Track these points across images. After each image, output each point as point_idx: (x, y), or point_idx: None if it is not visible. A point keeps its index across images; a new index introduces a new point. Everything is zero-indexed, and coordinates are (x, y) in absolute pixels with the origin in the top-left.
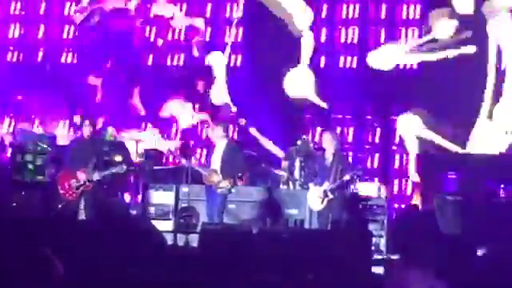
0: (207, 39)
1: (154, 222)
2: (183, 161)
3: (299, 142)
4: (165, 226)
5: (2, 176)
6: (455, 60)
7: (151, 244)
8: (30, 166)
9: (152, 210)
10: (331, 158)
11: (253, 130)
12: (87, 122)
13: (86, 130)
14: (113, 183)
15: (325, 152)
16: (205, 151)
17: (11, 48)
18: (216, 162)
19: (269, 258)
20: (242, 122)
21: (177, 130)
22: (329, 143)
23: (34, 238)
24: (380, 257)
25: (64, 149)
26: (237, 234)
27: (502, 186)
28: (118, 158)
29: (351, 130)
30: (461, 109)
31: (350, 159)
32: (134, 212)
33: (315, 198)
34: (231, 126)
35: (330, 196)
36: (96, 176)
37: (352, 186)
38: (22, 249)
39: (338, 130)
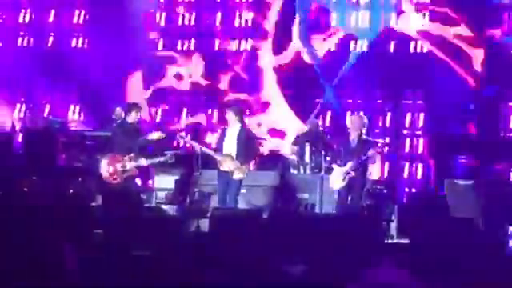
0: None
1: (164, 207)
2: (195, 145)
3: (308, 126)
4: (174, 211)
5: (14, 161)
6: None
7: (164, 230)
8: (42, 152)
9: (162, 195)
10: (356, 140)
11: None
12: (134, 113)
13: (133, 116)
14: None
15: (349, 134)
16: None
17: (21, 33)
18: (230, 146)
19: (279, 242)
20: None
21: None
22: (355, 126)
23: (47, 225)
24: (390, 241)
25: (78, 133)
26: (247, 218)
27: None
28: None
29: (361, 114)
30: None
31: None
32: (144, 197)
33: (337, 177)
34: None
35: (352, 174)
36: (143, 162)
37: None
38: (34, 237)
39: (348, 114)
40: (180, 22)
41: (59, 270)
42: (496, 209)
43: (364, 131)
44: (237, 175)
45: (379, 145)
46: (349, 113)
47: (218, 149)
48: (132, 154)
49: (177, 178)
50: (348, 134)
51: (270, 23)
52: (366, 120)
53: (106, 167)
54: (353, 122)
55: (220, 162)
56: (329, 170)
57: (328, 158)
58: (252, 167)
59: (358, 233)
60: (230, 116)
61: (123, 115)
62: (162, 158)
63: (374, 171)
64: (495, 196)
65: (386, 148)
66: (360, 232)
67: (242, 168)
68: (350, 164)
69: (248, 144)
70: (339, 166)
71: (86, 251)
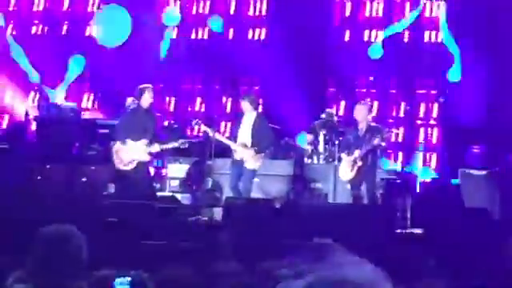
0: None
1: (177, 196)
2: (211, 133)
3: (323, 116)
4: (188, 199)
5: (28, 150)
6: None
7: (174, 219)
8: (55, 141)
9: (175, 183)
10: (364, 128)
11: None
12: (147, 94)
13: (146, 101)
14: None
15: (358, 123)
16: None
17: (36, 21)
18: (245, 135)
19: (292, 232)
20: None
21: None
22: (362, 115)
23: (57, 213)
24: (404, 231)
25: (91, 122)
26: (260, 207)
27: None
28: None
29: (376, 103)
30: None
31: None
32: (157, 185)
33: (346, 167)
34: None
35: (359, 163)
36: (156, 148)
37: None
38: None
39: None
40: (194, 11)
41: (71, 258)
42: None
43: (370, 118)
44: (251, 164)
45: (386, 131)
46: (343, 103)
47: (233, 137)
48: (145, 140)
49: (190, 166)
50: (357, 123)
51: None
52: (372, 107)
53: (117, 154)
54: (358, 110)
55: (235, 151)
56: (339, 160)
57: (326, 152)
58: (266, 156)
59: (370, 223)
60: (245, 104)
61: (135, 104)
62: (175, 144)
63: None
64: (510, 186)
65: (393, 135)
66: (373, 222)
67: (256, 157)
68: (357, 153)
69: (263, 133)
70: (348, 155)
71: (98, 240)
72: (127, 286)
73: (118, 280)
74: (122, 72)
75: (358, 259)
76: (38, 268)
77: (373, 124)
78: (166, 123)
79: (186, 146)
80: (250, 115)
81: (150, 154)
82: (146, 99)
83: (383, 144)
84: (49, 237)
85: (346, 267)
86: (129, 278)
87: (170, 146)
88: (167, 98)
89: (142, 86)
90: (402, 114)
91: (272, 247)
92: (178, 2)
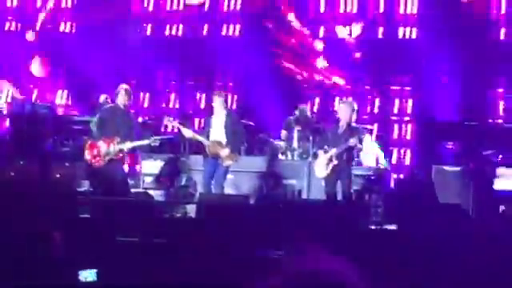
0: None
1: (151, 193)
2: (185, 131)
3: (297, 112)
4: (161, 196)
5: (0, 147)
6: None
7: (149, 214)
8: (29, 137)
9: (149, 180)
10: (345, 127)
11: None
12: (123, 92)
13: (122, 99)
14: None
15: (339, 120)
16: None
17: (10, 17)
18: (218, 133)
19: (266, 228)
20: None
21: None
22: (344, 113)
23: (33, 208)
24: (377, 227)
25: (65, 118)
26: (234, 204)
27: (500, 156)
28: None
29: (350, 100)
30: None
31: None
32: (131, 182)
33: (321, 164)
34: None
35: (335, 161)
36: (128, 145)
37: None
38: (21, 221)
39: (337, 99)
40: (168, 7)
41: (46, 256)
42: (485, 195)
43: (354, 118)
44: (227, 162)
45: (364, 133)
46: (337, 99)
47: (205, 134)
48: (117, 138)
49: (164, 163)
50: (338, 120)
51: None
52: (355, 106)
53: (89, 150)
54: (341, 109)
55: (209, 148)
56: (315, 156)
57: (300, 148)
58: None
59: (344, 219)
60: (218, 101)
61: (109, 101)
62: (145, 141)
63: (369, 160)
64: (483, 182)
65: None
66: (346, 218)
67: (231, 155)
68: (333, 151)
69: (237, 130)
70: (324, 152)
71: (72, 237)
72: (94, 277)
73: (84, 272)
74: (96, 69)
75: (329, 254)
76: (14, 266)
77: (353, 124)
78: (140, 119)
79: (157, 143)
80: (220, 113)
81: (122, 151)
82: (122, 98)
83: (359, 146)
84: (24, 235)
85: (319, 261)
86: (95, 270)
87: (141, 143)
88: (141, 94)
89: (120, 86)
90: (376, 110)
91: (245, 243)
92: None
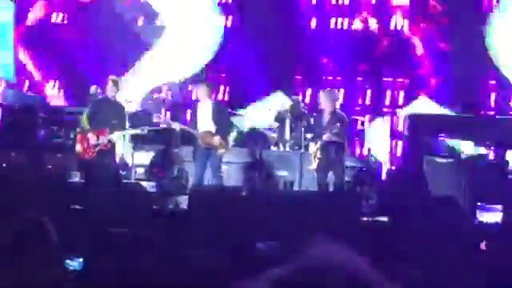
0: None
1: (143, 184)
2: (174, 125)
3: (289, 103)
4: (153, 187)
5: None
6: None
7: (140, 205)
8: (20, 128)
9: (141, 171)
10: (328, 117)
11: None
12: (112, 83)
13: (111, 91)
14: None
15: (324, 111)
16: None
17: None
18: (206, 123)
19: (258, 220)
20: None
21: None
22: (326, 102)
23: (24, 200)
24: (369, 219)
25: (57, 109)
26: (226, 195)
27: (492, 148)
28: None
29: (342, 91)
30: None
31: None
32: (123, 173)
33: (311, 156)
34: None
35: (318, 155)
36: (117, 135)
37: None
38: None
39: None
40: None
41: (38, 246)
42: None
43: (336, 105)
44: (220, 150)
45: (347, 121)
46: (309, 91)
47: (193, 125)
48: (107, 129)
49: (156, 154)
50: (323, 110)
51: None
52: (337, 94)
53: (80, 142)
54: (323, 97)
55: (201, 138)
56: (307, 148)
57: (308, 136)
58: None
59: (335, 210)
60: (204, 91)
61: (99, 92)
62: (136, 130)
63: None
64: (475, 175)
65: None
66: (338, 209)
67: (223, 143)
68: (316, 144)
69: (223, 118)
70: (315, 144)
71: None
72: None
73: (69, 261)
74: (87, 59)
75: (338, 246)
76: (7, 258)
77: (338, 111)
78: (132, 110)
79: (145, 132)
80: (206, 103)
81: (111, 141)
82: (111, 89)
83: (342, 132)
84: (17, 226)
85: (327, 254)
86: (80, 260)
87: (130, 132)
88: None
89: (109, 77)
90: (368, 102)
91: (237, 234)
92: None
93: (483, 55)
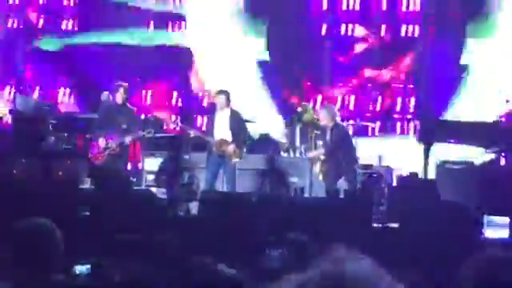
0: None
1: (153, 190)
2: (189, 130)
3: (299, 110)
4: (164, 193)
5: (2, 144)
6: None
7: (150, 212)
8: (31, 134)
9: (151, 177)
10: (329, 132)
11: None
12: (122, 90)
13: (120, 97)
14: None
15: (326, 127)
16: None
17: (11, 14)
18: (223, 131)
19: (268, 226)
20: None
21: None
22: (325, 119)
23: (35, 206)
24: (380, 225)
25: (68, 116)
26: (236, 202)
27: (503, 154)
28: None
29: (352, 98)
30: None
31: None
32: (134, 179)
33: (315, 164)
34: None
35: (320, 161)
36: (127, 140)
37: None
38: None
39: (339, 98)
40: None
41: (50, 254)
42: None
43: (336, 120)
44: (234, 158)
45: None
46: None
47: (209, 133)
48: (117, 133)
49: (166, 160)
50: (325, 126)
51: None
52: (336, 110)
53: (90, 148)
54: (320, 116)
55: (217, 146)
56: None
57: (320, 142)
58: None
59: (347, 217)
60: (221, 99)
61: (111, 99)
62: (140, 134)
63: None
64: (487, 181)
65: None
66: (348, 216)
67: (237, 152)
68: (318, 151)
69: (241, 127)
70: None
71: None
72: (87, 272)
73: (77, 267)
74: (98, 66)
75: (357, 254)
76: (14, 263)
77: (338, 122)
78: (142, 117)
79: (151, 135)
80: (225, 111)
81: (121, 145)
82: (119, 98)
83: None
84: (24, 231)
85: (345, 262)
86: (88, 266)
87: (137, 135)
88: (143, 92)
89: (117, 83)
90: (378, 108)
91: (247, 241)
92: None
93: None
